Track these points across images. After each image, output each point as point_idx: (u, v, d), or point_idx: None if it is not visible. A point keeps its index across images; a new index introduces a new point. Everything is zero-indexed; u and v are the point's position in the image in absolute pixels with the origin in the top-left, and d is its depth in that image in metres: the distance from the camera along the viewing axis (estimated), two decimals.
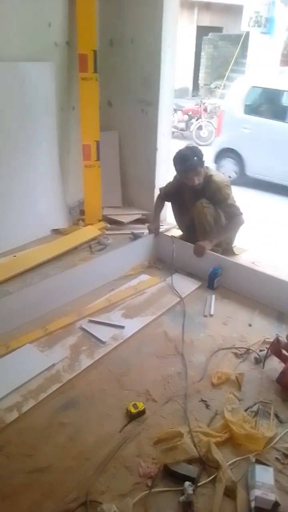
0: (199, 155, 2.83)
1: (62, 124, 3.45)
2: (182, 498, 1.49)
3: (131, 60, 3.34)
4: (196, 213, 2.96)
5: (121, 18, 3.27)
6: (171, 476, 1.58)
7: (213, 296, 2.71)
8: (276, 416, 1.85)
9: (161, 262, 3.16)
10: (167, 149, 3.55)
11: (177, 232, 3.40)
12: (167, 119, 3.45)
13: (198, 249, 2.87)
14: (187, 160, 2.80)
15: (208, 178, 2.90)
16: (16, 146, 3.08)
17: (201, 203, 2.92)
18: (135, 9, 3.18)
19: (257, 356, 2.19)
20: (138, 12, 3.16)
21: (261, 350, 2.23)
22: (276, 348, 2.06)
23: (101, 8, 3.30)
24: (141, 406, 1.84)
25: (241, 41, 10.47)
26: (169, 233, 3.38)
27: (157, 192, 3.50)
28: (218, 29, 13.19)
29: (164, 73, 3.20)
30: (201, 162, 2.84)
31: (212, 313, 2.56)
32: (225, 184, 2.92)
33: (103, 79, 3.53)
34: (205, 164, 2.91)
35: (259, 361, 2.16)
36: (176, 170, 2.91)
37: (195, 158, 2.80)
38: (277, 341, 2.04)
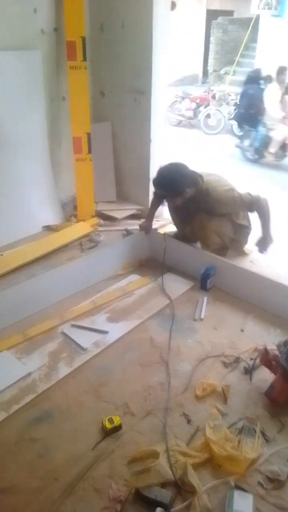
0: (168, 187, 2.57)
1: (52, 116, 3.30)
2: None
3: (123, 46, 3.16)
4: (200, 232, 2.82)
5: (112, 1, 3.09)
6: (143, 501, 1.47)
7: (205, 298, 2.57)
8: (263, 434, 1.72)
9: (153, 260, 3.02)
10: (161, 140, 3.38)
11: (173, 228, 3.24)
12: (161, 109, 3.27)
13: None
14: (158, 189, 2.66)
15: (206, 192, 2.62)
16: (4, 139, 2.95)
17: (201, 220, 2.74)
18: None
19: (247, 365, 2.05)
20: None
21: (251, 359, 2.09)
22: (264, 359, 1.92)
23: None
24: (117, 420, 1.73)
25: (251, 25, 10.08)
26: (165, 229, 3.24)
27: (152, 186, 3.35)
28: (228, 13, 12.73)
29: (156, 61, 3.02)
30: (168, 195, 2.64)
31: (202, 316, 2.42)
32: (224, 195, 2.62)
33: (95, 68, 3.37)
34: (198, 181, 2.62)
35: (248, 371, 2.03)
36: None
37: (161, 191, 2.64)
38: (265, 351, 1.90)
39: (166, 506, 1.43)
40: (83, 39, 3.00)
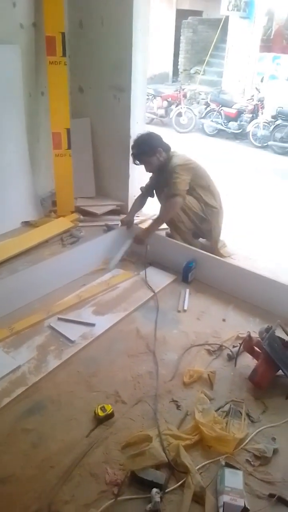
0: (141, 145, 2.79)
1: (30, 111, 3.29)
2: (149, 506, 1.43)
3: (102, 43, 3.19)
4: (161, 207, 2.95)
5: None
6: (138, 483, 1.52)
7: (187, 291, 2.64)
8: (248, 415, 1.81)
9: (135, 255, 3.07)
10: None
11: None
12: (141, 105, 3.33)
13: (136, 239, 2.90)
14: (133, 149, 2.85)
15: (169, 161, 2.82)
16: None
17: (165, 196, 2.88)
18: None
19: (230, 353, 2.14)
20: None
21: (234, 346, 2.19)
22: (248, 345, 2.01)
23: None
24: (109, 408, 1.77)
25: (220, 25, 10.29)
26: (145, 225, 3.29)
27: (132, 182, 3.41)
28: (198, 13, 12.91)
29: (136, 57, 3.07)
30: (144, 151, 2.80)
31: (185, 308, 2.50)
32: (178, 165, 2.78)
33: (73, 64, 3.37)
34: (170, 149, 2.86)
35: (232, 358, 2.12)
36: None
37: (134, 150, 2.84)
38: (249, 338, 1.99)
39: (161, 487, 1.49)
40: (63, 34, 3.00)
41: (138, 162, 2.91)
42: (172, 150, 2.89)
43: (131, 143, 3.30)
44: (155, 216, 2.98)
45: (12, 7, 2.89)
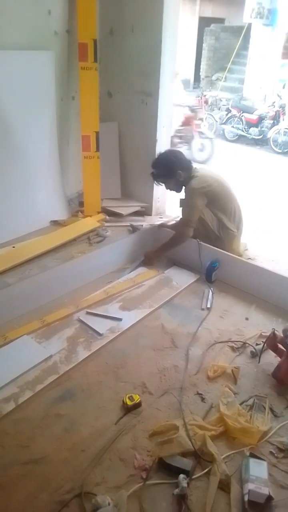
0: (161, 168, 2.83)
1: (61, 115, 3.39)
2: (176, 491, 1.48)
3: (132, 49, 3.27)
4: None
5: (122, 6, 3.20)
6: (166, 469, 1.57)
7: (211, 290, 2.69)
8: (271, 410, 1.85)
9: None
10: (167, 140, 3.50)
11: None
12: (167, 110, 3.38)
13: (146, 260, 2.98)
14: (153, 168, 2.89)
15: (190, 180, 2.82)
16: (15, 137, 3.03)
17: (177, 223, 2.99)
18: None
19: (253, 350, 2.17)
20: (139, 0, 3.09)
21: (257, 344, 2.22)
22: (272, 342, 2.04)
23: None
24: (137, 398, 1.83)
25: (243, 33, 10.32)
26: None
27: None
28: (220, 20, 12.99)
29: (164, 63, 3.14)
30: (162, 173, 2.84)
31: (209, 306, 2.54)
32: (193, 189, 2.77)
33: (103, 69, 3.47)
34: (191, 168, 2.85)
35: (255, 355, 2.15)
36: None
37: (154, 171, 2.87)
38: (273, 335, 2.02)
39: (188, 473, 1.54)
40: (95, 41, 3.10)
41: (158, 182, 2.97)
42: (194, 168, 2.87)
43: (156, 148, 3.40)
44: (165, 241, 2.97)
45: (47, 15, 3.01)
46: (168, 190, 3.09)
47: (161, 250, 2.97)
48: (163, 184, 2.98)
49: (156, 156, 2.91)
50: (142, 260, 3.00)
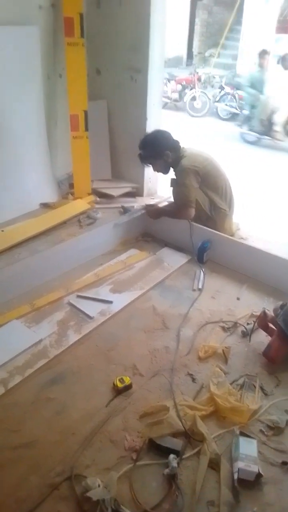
0: (147, 148, 2.75)
1: (49, 93, 3.28)
2: (166, 470, 1.48)
3: (120, 24, 3.15)
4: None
5: None
6: (156, 449, 1.57)
7: (202, 270, 2.66)
8: (261, 389, 1.84)
9: (149, 236, 3.10)
10: (157, 119, 3.41)
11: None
12: (157, 87, 3.29)
13: (148, 213, 3.01)
14: (141, 149, 2.80)
15: (179, 160, 2.76)
16: (1, 116, 2.93)
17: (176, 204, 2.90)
18: None
19: (244, 329, 2.16)
20: None
21: (248, 324, 2.21)
22: (263, 321, 2.03)
23: None
24: (127, 380, 1.82)
25: (236, 7, 10.02)
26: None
27: None
28: None
29: (153, 38, 3.02)
30: (150, 154, 2.77)
31: (200, 287, 2.52)
32: (185, 169, 2.70)
33: (91, 45, 3.34)
34: (179, 148, 2.79)
35: (246, 334, 2.14)
36: None
37: (141, 152, 2.79)
38: (264, 314, 2.01)
39: (178, 453, 1.54)
40: (81, 15, 2.97)
41: (146, 163, 2.89)
42: (182, 148, 2.80)
43: (147, 126, 3.31)
44: (170, 207, 2.99)
45: None
46: (156, 171, 3.01)
47: (163, 213, 2.95)
48: (151, 166, 2.90)
49: (143, 137, 2.82)
50: (140, 211, 3.00)
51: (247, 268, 2.63)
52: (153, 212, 3.01)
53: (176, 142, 2.80)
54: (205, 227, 2.80)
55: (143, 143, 2.79)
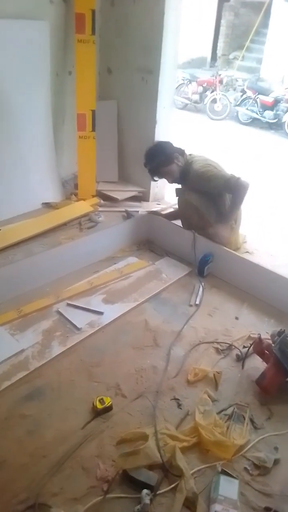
0: (156, 157, 2.63)
1: (57, 91, 3.20)
2: (137, 507, 1.37)
3: (133, 23, 3.04)
4: (180, 209, 2.83)
5: None
6: (130, 482, 1.46)
7: (201, 285, 2.53)
8: (251, 421, 1.72)
9: (152, 243, 2.98)
10: (167, 122, 3.29)
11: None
12: (169, 90, 3.17)
13: (219, 239, 2.67)
14: (149, 163, 2.68)
15: (189, 166, 2.64)
16: (7, 113, 2.87)
17: (185, 199, 2.73)
18: None
19: (239, 353, 2.03)
20: None
21: (244, 347, 2.08)
22: (258, 347, 1.90)
23: None
24: (108, 401, 1.71)
25: (263, 9, 9.79)
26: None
27: None
28: None
29: (167, 39, 2.91)
30: (160, 163, 2.64)
31: (197, 302, 2.40)
32: (203, 169, 2.58)
33: (103, 43, 3.25)
34: (184, 152, 2.69)
35: (240, 358, 2.01)
36: None
37: (150, 164, 2.68)
38: (259, 340, 1.88)
39: (153, 488, 1.43)
40: (93, 11, 2.88)
41: (157, 177, 2.76)
42: (187, 153, 2.70)
43: (156, 130, 3.19)
44: (174, 214, 2.92)
45: None
46: (169, 181, 2.80)
47: (229, 217, 2.69)
48: (164, 177, 2.75)
49: (147, 149, 2.69)
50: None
51: (249, 286, 2.49)
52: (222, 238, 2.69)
53: (180, 148, 2.70)
54: (209, 239, 2.67)
55: (149, 154, 2.67)
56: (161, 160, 2.65)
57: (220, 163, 2.71)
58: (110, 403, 1.71)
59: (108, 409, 1.71)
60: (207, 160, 2.68)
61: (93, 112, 3.15)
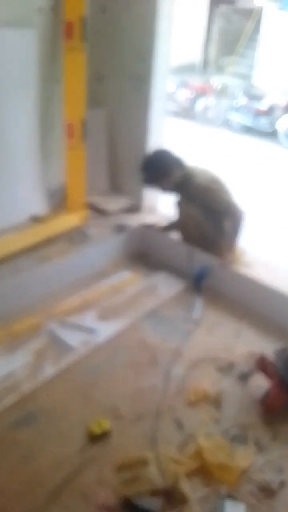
0: (155, 168, 2.70)
1: (45, 99, 3.27)
2: None
3: (125, 30, 3.16)
4: (180, 221, 2.91)
5: None
6: (132, 509, 1.48)
7: (199, 300, 2.58)
8: (255, 442, 1.75)
9: (146, 256, 3.03)
10: (160, 130, 3.38)
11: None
12: (161, 97, 3.27)
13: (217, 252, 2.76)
14: (146, 172, 2.76)
15: (188, 179, 2.72)
16: None
17: (186, 212, 2.81)
18: None
19: (241, 371, 2.08)
20: None
21: (246, 364, 2.12)
22: (261, 365, 1.94)
23: None
24: (106, 425, 1.73)
25: (254, 16, 10.13)
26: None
27: None
28: (231, 2, 12.74)
29: (159, 46, 3.02)
30: (158, 176, 2.72)
31: (196, 319, 2.44)
32: (200, 187, 2.68)
33: (94, 51, 3.34)
34: (184, 164, 2.76)
35: (242, 376, 2.05)
36: None
37: (147, 173, 2.75)
38: (261, 359, 1.92)
39: None
40: (83, 19, 2.97)
41: (152, 186, 2.85)
42: (186, 164, 2.77)
43: (148, 139, 3.28)
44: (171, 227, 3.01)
45: None
46: (164, 191, 2.90)
47: (231, 245, 2.82)
48: (157, 187, 2.84)
49: (145, 158, 2.77)
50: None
51: (250, 302, 2.55)
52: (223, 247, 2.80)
53: (179, 158, 2.77)
54: (206, 253, 2.74)
55: (147, 164, 2.74)
56: (157, 173, 2.72)
57: (216, 174, 2.80)
58: (108, 427, 1.73)
59: (106, 432, 1.73)
60: (211, 175, 2.75)
61: (83, 121, 3.22)
